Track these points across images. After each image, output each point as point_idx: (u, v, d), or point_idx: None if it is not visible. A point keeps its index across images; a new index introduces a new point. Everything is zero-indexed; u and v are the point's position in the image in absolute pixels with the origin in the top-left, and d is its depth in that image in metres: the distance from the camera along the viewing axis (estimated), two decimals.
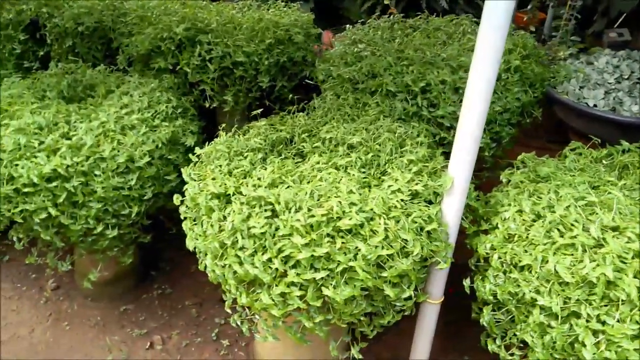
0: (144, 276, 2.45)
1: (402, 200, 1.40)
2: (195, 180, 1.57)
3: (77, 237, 1.77)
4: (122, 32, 2.30)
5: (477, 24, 2.47)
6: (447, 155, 1.82)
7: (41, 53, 2.54)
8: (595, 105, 1.87)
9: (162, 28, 2.12)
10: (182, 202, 1.59)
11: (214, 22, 2.17)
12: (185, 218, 1.55)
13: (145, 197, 1.80)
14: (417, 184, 1.45)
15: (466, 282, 1.44)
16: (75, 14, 2.34)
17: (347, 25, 2.46)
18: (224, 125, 2.33)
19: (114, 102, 1.97)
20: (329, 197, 1.38)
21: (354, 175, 1.50)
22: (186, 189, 1.55)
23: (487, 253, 1.38)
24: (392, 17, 2.48)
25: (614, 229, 1.24)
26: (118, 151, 1.74)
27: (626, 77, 1.93)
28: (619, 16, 2.97)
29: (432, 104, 1.87)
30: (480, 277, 1.41)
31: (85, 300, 2.32)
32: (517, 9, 4.55)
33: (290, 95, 2.00)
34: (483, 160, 1.98)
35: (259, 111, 1.87)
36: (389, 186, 1.45)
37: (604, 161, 1.57)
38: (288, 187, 1.46)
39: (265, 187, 1.45)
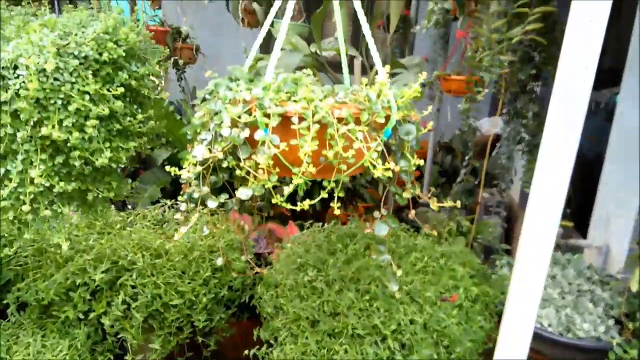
0: None
1: None
2: None
3: None
4: (14, 270, 1.84)
5: (407, 230, 2.52)
6: None
7: None
8: (549, 325, 1.90)
9: (74, 272, 1.73)
10: None
11: (139, 258, 1.84)
12: None
13: None
14: None
15: None
16: None
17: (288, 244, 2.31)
18: None
19: None
20: None
21: None
22: None
23: None
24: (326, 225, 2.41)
25: None
26: None
27: (567, 290, 2.02)
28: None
29: (403, 344, 1.73)
30: None
31: None
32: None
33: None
34: None
35: None
36: None
37: None
38: None
39: None
